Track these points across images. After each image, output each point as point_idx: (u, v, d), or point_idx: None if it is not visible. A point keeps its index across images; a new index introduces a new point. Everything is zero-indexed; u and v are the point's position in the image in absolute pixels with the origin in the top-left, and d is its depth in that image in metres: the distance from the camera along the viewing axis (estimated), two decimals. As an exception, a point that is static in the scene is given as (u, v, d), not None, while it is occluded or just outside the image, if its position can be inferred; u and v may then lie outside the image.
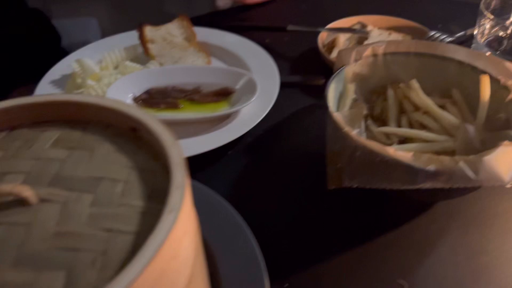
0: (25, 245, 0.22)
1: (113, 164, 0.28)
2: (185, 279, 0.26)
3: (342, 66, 0.53)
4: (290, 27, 0.79)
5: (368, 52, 0.54)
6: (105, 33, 1.47)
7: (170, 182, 0.25)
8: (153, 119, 0.30)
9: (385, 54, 0.55)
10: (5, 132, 0.32)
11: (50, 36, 1.09)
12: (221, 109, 0.60)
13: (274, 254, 0.39)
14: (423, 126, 0.51)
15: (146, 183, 0.27)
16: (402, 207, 0.48)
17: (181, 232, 0.24)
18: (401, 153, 0.39)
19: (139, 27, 0.71)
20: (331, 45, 0.76)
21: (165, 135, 0.29)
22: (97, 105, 0.31)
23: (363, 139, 0.40)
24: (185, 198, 0.24)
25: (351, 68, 0.53)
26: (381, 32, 0.79)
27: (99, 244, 0.23)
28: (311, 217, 0.47)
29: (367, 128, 0.51)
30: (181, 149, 0.28)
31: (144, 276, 0.20)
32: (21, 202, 0.24)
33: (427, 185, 0.38)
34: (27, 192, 0.24)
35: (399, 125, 0.52)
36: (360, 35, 0.77)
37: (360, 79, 0.54)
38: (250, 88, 0.60)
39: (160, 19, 0.76)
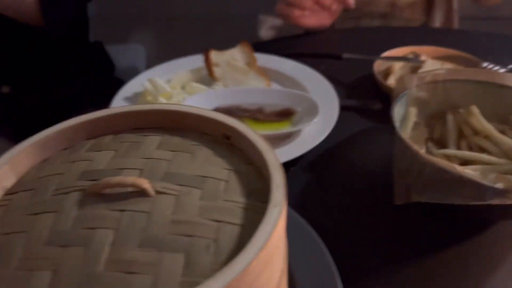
0: (147, 230, 0.25)
1: (213, 166, 0.31)
2: (280, 271, 0.28)
3: (404, 91, 0.55)
4: (345, 55, 0.82)
5: (429, 78, 0.57)
6: (150, 60, 1.53)
7: (271, 181, 0.28)
8: (247, 128, 0.33)
9: (445, 81, 0.57)
10: (111, 135, 0.35)
11: (106, 66, 1.15)
12: (284, 128, 0.63)
13: (341, 267, 0.41)
14: (482, 150, 0.53)
15: (244, 183, 0.30)
16: (468, 224, 0.49)
17: (282, 224, 0.27)
18: (470, 171, 0.40)
19: (205, 52, 0.76)
20: (385, 73, 0.79)
21: (259, 142, 0.32)
22: (195, 114, 0.35)
23: (432, 157, 0.42)
24: (284, 195, 0.27)
25: (413, 93, 0.56)
26: (434, 62, 0.81)
27: (210, 232, 0.26)
28: (377, 232, 0.49)
29: (427, 150, 0.53)
30: (275, 153, 0.31)
31: (256, 262, 0.23)
32: (141, 193, 0.27)
33: (495, 201, 0.39)
34: (146, 185, 0.27)
35: (458, 148, 0.54)
36: (414, 64, 0.80)
37: (421, 104, 0.56)
38: (312, 110, 0.63)
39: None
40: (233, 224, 0.26)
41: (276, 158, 0.30)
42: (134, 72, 0.77)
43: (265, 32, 1.10)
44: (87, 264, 0.24)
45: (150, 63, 0.79)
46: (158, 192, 0.28)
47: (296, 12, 0.95)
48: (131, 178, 0.28)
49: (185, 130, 0.36)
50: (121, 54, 1.33)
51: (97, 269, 0.23)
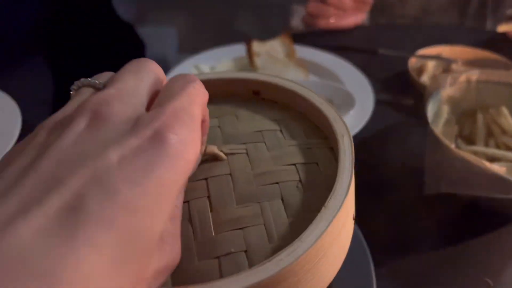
0: (237, 188, 0.27)
1: (260, 120, 0.33)
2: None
3: (438, 89, 0.59)
4: (381, 51, 0.86)
5: (462, 78, 0.60)
6: (183, 45, 1.53)
7: (326, 116, 0.30)
8: (276, 78, 0.34)
9: (477, 81, 0.61)
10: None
11: (136, 47, 1.15)
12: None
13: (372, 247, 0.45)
14: (509, 149, 0.56)
15: (294, 128, 0.32)
16: (492, 217, 0.53)
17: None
18: (497, 167, 0.44)
19: (248, 41, 0.80)
20: (419, 70, 0.82)
21: (294, 86, 0.33)
22: (221, 79, 0.35)
23: (462, 152, 0.46)
24: (345, 125, 0.29)
25: (446, 91, 0.59)
26: (466, 62, 0.83)
27: (293, 175, 0.28)
28: (406, 218, 0.53)
29: (457, 146, 0.57)
30: (313, 91, 0.33)
31: (352, 185, 0.26)
32: (212, 159, 0.29)
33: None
34: (216, 150, 0.29)
35: (486, 146, 0.57)
36: (447, 63, 0.82)
37: (453, 102, 0.60)
38: (348, 102, 0.67)
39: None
40: (308, 163, 0.29)
41: (317, 94, 0.32)
42: (164, 56, 0.80)
43: (298, 23, 1.13)
44: (198, 234, 0.25)
45: (182, 48, 0.82)
46: (227, 154, 0.29)
47: (331, 11, 0.98)
48: (209, 148, 0.30)
49: (213, 96, 0.33)
50: (152, 37, 1.34)
51: (209, 235, 0.25)
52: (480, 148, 0.56)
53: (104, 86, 0.22)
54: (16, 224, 0.15)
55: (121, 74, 0.23)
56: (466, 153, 0.46)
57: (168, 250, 0.20)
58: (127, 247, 0.17)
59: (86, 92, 0.22)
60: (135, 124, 0.19)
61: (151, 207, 0.18)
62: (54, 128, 0.20)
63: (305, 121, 0.33)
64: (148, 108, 0.22)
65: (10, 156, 0.20)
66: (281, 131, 0.32)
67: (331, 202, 0.24)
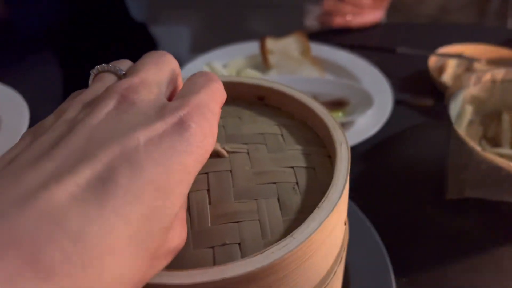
0: (236, 184, 0.28)
1: (262, 124, 0.34)
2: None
3: (461, 89, 0.56)
4: (400, 50, 0.83)
5: (487, 77, 0.57)
6: (195, 44, 1.52)
7: (326, 124, 0.31)
8: (282, 86, 0.35)
9: (503, 81, 0.58)
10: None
11: (148, 46, 1.15)
12: (336, 118, 0.65)
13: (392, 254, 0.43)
14: (536, 152, 0.53)
15: (296, 134, 0.33)
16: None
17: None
18: (527, 170, 0.41)
19: (262, 39, 0.77)
20: (439, 70, 0.79)
21: (298, 94, 0.34)
22: (227, 81, 0.35)
23: (489, 155, 0.43)
24: (343, 134, 0.31)
25: (470, 91, 0.56)
26: (489, 61, 0.80)
27: (290, 177, 0.29)
28: (427, 223, 0.50)
29: (481, 149, 0.54)
30: (318, 102, 0.34)
31: (344, 193, 0.26)
32: (214, 156, 0.30)
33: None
34: (219, 147, 0.30)
35: (512, 148, 0.55)
36: (469, 62, 0.79)
37: (477, 102, 0.57)
38: (366, 101, 0.64)
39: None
40: (306, 167, 0.30)
41: (320, 105, 0.33)
42: (177, 55, 0.79)
43: (312, 22, 1.11)
44: (195, 224, 0.26)
45: (195, 47, 0.81)
46: (229, 152, 0.30)
47: (348, 9, 0.95)
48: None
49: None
50: (165, 36, 1.34)
51: (206, 226, 0.25)
52: (506, 150, 0.53)
53: (125, 74, 0.24)
54: (51, 188, 0.16)
55: (143, 64, 0.24)
56: (493, 155, 0.43)
57: (178, 232, 0.21)
58: (149, 223, 0.18)
59: (109, 77, 0.24)
60: (161, 111, 0.21)
61: (172, 188, 0.19)
62: (83, 107, 0.21)
63: (306, 128, 0.34)
64: (168, 99, 0.23)
65: (38, 128, 0.21)
66: (282, 135, 0.33)
67: (325, 204, 0.25)
